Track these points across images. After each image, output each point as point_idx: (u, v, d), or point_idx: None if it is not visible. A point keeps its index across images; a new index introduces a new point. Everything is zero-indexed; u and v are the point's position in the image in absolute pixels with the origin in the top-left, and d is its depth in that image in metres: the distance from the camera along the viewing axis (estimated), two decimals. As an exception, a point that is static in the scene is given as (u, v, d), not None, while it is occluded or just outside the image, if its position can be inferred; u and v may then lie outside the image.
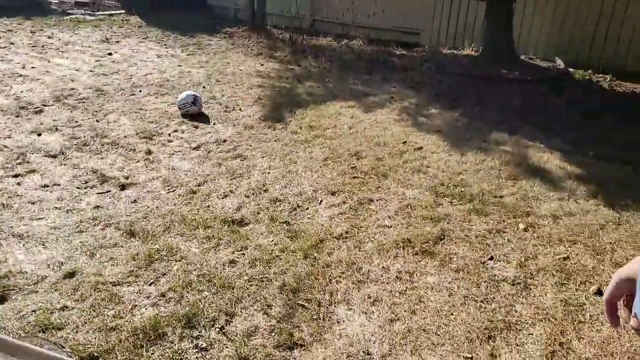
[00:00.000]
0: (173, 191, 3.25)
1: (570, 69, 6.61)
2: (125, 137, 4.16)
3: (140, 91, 5.53)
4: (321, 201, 3.16)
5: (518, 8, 7.07)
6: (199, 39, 8.96)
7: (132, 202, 3.08)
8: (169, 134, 4.29)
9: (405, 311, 2.16)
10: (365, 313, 2.15)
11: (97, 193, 3.16)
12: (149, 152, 3.85)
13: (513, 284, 2.35)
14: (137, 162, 3.70)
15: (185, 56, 7.59)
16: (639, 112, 5.08)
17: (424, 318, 2.12)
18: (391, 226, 2.84)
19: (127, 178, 3.41)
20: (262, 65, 7.15)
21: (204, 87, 5.83)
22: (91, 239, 2.62)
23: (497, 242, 2.71)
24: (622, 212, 3.03)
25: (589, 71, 6.62)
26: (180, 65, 6.93)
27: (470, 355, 1.92)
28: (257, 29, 9.59)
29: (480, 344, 1.97)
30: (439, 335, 2.03)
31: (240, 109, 5.04)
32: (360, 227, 2.84)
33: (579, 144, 4.15)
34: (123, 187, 3.27)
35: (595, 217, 2.98)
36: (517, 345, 1.97)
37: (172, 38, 9.00)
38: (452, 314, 2.15)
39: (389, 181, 3.39)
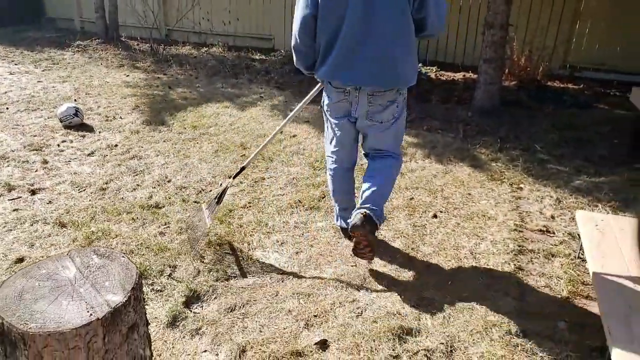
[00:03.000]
0: (84, 190, 3.58)
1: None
2: (13, 151, 4.26)
3: (7, 108, 5.48)
4: (221, 184, 3.75)
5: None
6: (50, 54, 8.74)
7: (48, 203, 3.36)
8: (58, 145, 4.48)
9: (305, 246, 2.91)
10: (277, 252, 2.85)
11: (9, 200, 3.37)
12: (45, 162, 4.05)
13: (378, 219, 3.23)
14: (36, 171, 3.90)
15: (41, 72, 7.44)
16: (454, 93, 6.48)
17: (320, 248, 2.89)
18: (284, 194, 3.57)
19: (32, 185, 3.63)
20: (127, 76, 7.35)
21: (75, 100, 5.94)
22: (24, 234, 2.91)
23: (363, 194, 3.59)
24: (447, 165, 4.14)
25: (420, 64, 8.06)
26: (40, 81, 6.84)
27: (354, 264, 2.72)
28: (112, 41, 9.59)
29: (361, 256, 2.79)
30: (331, 256, 2.81)
31: (121, 117, 5.33)
32: (259, 198, 3.52)
33: (414, 121, 5.29)
34: (33, 192, 3.51)
35: (429, 170, 4.03)
36: (385, 253, 2.83)
37: (18, 54, 8.63)
38: (338, 243, 2.94)
39: (275, 163, 4.11)
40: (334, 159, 2.78)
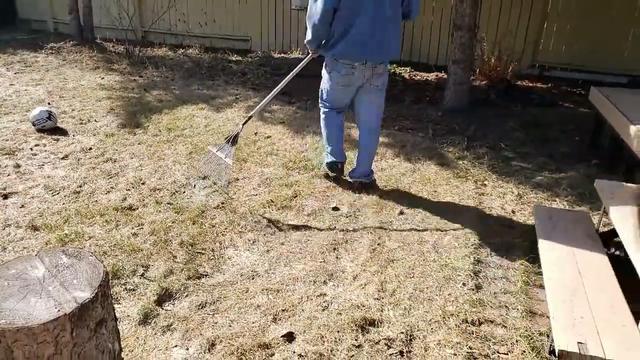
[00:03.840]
0: (57, 194, 3.62)
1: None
2: (-15, 155, 4.27)
3: (-22, 112, 5.45)
4: (195, 185, 3.82)
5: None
6: (22, 56, 8.66)
7: (20, 207, 3.39)
8: (31, 149, 4.49)
9: (276, 244, 3.00)
10: (249, 250, 2.94)
11: (-19, 204, 3.39)
12: (18, 166, 4.07)
13: (347, 217, 3.35)
14: (9, 175, 3.91)
15: (13, 75, 7.39)
16: (426, 94, 6.64)
17: (290, 245, 2.99)
18: (257, 194, 3.66)
19: (4, 189, 3.65)
20: (102, 78, 7.34)
21: (49, 103, 5.93)
22: (-4, 238, 2.95)
23: (334, 193, 3.69)
24: (416, 164, 4.27)
25: (393, 65, 8.20)
26: (13, 84, 6.79)
27: (323, 260, 2.83)
28: (87, 43, 9.54)
29: (329, 253, 2.91)
30: (301, 253, 2.91)
31: (95, 120, 5.35)
32: (233, 198, 3.60)
33: (386, 121, 5.41)
34: (5, 197, 3.53)
35: (398, 169, 4.16)
36: (352, 249, 2.95)
37: (-12, 57, 8.54)
38: (308, 240, 3.05)
39: (248, 164, 4.19)
40: (328, 106, 3.69)
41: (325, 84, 3.59)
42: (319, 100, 3.75)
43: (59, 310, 1.38)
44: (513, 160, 4.38)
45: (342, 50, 3.26)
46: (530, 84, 7.29)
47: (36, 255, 1.61)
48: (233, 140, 3.46)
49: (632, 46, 7.03)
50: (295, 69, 3.60)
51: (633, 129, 3.22)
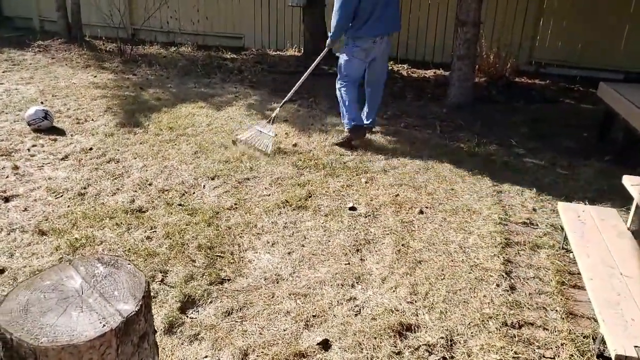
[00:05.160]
0: (61, 196, 3.46)
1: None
2: (-20, 156, 4.08)
3: (-31, 112, 5.24)
4: (204, 186, 3.70)
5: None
6: (9, 55, 8.40)
7: (23, 211, 3.23)
8: (29, 149, 4.31)
9: (296, 246, 2.90)
10: (269, 252, 2.83)
11: (-18, 208, 3.22)
12: (16, 167, 3.89)
13: (366, 217, 3.25)
14: (7, 177, 3.74)
15: (1, 73, 7.14)
16: (426, 90, 6.58)
17: (311, 247, 2.88)
18: (269, 194, 3.54)
19: (4, 192, 3.48)
20: (95, 77, 7.14)
21: (42, 102, 5.73)
22: (1, 244, 2.79)
23: (349, 193, 3.60)
24: (428, 161, 4.19)
25: (391, 62, 8.13)
26: (2, 83, 6.57)
27: (347, 262, 2.73)
28: (75, 40, 9.29)
29: (352, 254, 2.81)
30: (324, 255, 2.81)
31: (93, 120, 5.18)
32: (245, 199, 3.48)
33: (391, 118, 5.35)
34: (7, 200, 3.37)
35: (411, 167, 4.08)
36: (377, 251, 2.86)
37: (-26, 55, 8.27)
38: (329, 242, 2.95)
39: (258, 163, 4.07)
40: (347, 79, 4.50)
41: (346, 62, 4.46)
42: (338, 78, 4.59)
43: (104, 325, 1.26)
44: (524, 156, 4.33)
45: (367, 31, 4.27)
46: (529, 81, 7.28)
47: (69, 264, 1.49)
48: (272, 120, 4.55)
49: (627, 42, 7.06)
50: (318, 58, 4.59)
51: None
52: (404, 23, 8.11)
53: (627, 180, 2.73)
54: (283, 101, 4.59)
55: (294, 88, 4.64)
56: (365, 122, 4.68)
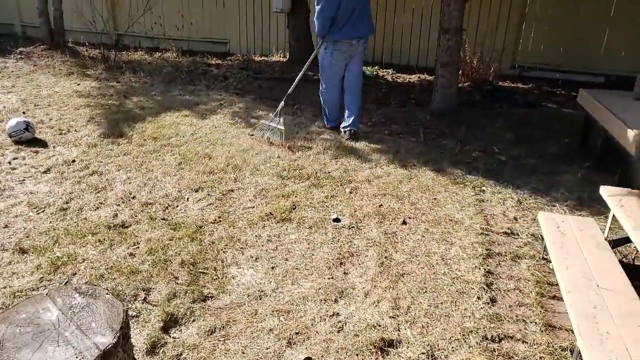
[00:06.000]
0: (43, 211, 3.43)
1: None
2: (-40, 171, 4.03)
3: (-52, 123, 5.17)
4: (188, 198, 3.69)
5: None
6: (-10, 62, 8.29)
7: (4, 228, 3.20)
8: (9, 162, 4.26)
9: (280, 260, 2.90)
10: (252, 267, 2.83)
11: (-39, 225, 3.18)
12: (-3, 182, 3.85)
13: (350, 228, 3.27)
14: (-12, 192, 3.70)
15: (-19, 82, 7.06)
16: (411, 96, 6.62)
17: (295, 261, 2.89)
18: (254, 206, 3.55)
19: (-15, 208, 3.44)
20: (78, 84, 7.07)
21: (24, 112, 5.67)
22: (-19, 264, 2.76)
23: (333, 203, 3.61)
24: (412, 170, 4.22)
25: (376, 67, 8.17)
26: (-18, 92, 6.48)
27: (331, 276, 2.75)
28: (58, 47, 9.19)
29: (336, 268, 2.82)
30: (307, 269, 2.82)
31: (76, 130, 5.13)
32: (229, 212, 3.48)
33: (376, 125, 5.38)
34: (-13, 216, 3.33)
35: (395, 176, 4.10)
36: (360, 264, 2.87)
37: (-47, 63, 8.15)
38: (313, 255, 2.96)
39: (242, 173, 4.07)
40: (331, 81, 4.94)
41: (327, 66, 4.85)
42: (322, 83, 5.01)
43: (80, 360, 1.26)
44: (507, 163, 4.38)
45: (346, 33, 4.63)
46: (512, 85, 7.36)
47: (46, 295, 1.48)
48: (279, 114, 4.90)
49: (608, 46, 7.17)
50: (312, 56, 5.03)
51: (631, 134, 3.24)
52: (389, 27, 8.18)
53: (604, 191, 2.78)
54: (288, 91, 5.06)
55: (293, 84, 5.06)
56: (345, 124, 4.98)
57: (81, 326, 1.37)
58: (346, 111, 4.99)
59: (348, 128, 4.93)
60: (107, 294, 1.49)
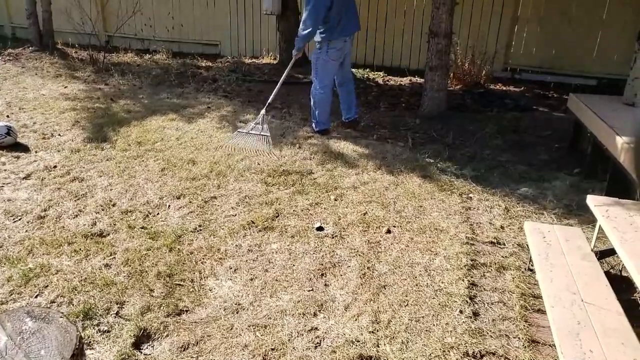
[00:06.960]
0: (19, 220, 3.35)
1: (353, 69, 8.00)
2: (-63, 177, 3.94)
3: None
4: (169, 206, 3.61)
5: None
6: (-23, 64, 8.18)
7: (-23, 237, 3.11)
8: (-11, 168, 4.18)
9: (259, 271, 2.83)
10: (230, 279, 2.76)
11: None
12: (-26, 188, 3.77)
13: (333, 237, 3.20)
14: (-36, 199, 3.61)
15: (-33, 84, 6.96)
16: (401, 99, 6.56)
17: (275, 272, 2.82)
18: (235, 214, 3.47)
19: (-40, 216, 3.36)
20: (65, 87, 6.98)
21: (7, 116, 5.58)
22: (-49, 276, 2.67)
23: (317, 211, 3.54)
24: (398, 176, 4.16)
25: (367, 70, 8.11)
26: (-33, 95, 6.38)
27: (311, 288, 2.68)
28: (47, 48, 9.09)
29: (317, 279, 2.75)
30: (287, 281, 2.75)
31: (59, 135, 5.04)
32: (210, 220, 3.40)
33: (365, 130, 5.31)
34: (-39, 225, 3.24)
35: (381, 182, 4.04)
36: (341, 275, 2.80)
37: (-60, 65, 8.04)
38: (294, 266, 2.89)
39: (226, 179, 4.00)
40: (327, 82, 4.95)
41: (323, 66, 4.88)
42: (317, 84, 4.95)
43: (24, 393, 1.19)
44: (495, 170, 4.32)
45: (341, 32, 4.75)
46: (504, 87, 7.32)
47: (-4, 319, 1.40)
48: (261, 121, 4.71)
49: (600, 48, 7.14)
50: (288, 68, 4.98)
51: (620, 141, 3.18)
52: (380, 30, 8.12)
53: (591, 201, 2.72)
54: (269, 100, 4.95)
55: (271, 95, 4.98)
56: (347, 116, 5.27)
57: (29, 354, 1.29)
58: (344, 105, 5.23)
59: (352, 117, 5.25)
60: (61, 317, 1.42)
